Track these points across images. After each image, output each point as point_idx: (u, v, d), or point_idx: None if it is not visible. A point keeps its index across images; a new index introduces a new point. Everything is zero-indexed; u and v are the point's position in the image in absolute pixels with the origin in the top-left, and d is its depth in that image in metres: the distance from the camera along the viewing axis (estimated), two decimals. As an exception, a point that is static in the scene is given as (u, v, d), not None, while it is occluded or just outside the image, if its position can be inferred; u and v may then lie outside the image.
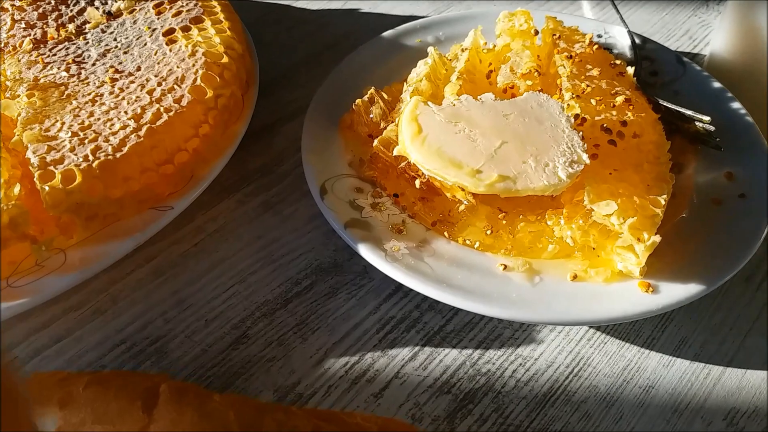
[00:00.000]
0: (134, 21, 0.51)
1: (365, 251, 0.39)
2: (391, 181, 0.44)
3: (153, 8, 0.51)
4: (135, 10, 0.52)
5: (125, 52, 0.48)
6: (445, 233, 0.41)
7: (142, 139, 0.41)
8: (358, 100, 0.46)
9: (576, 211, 0.39)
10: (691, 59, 0.53)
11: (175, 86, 0.44)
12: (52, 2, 0.53)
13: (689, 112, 0.45)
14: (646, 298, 0.37)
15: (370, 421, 0.32)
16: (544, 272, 0.38)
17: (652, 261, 0.37)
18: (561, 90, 0.45)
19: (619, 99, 0.44)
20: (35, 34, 0.50)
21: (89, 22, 0.51)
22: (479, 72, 0.49)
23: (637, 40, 0.54)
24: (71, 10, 0.52)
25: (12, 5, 0.52)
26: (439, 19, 0.57)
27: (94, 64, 0.48)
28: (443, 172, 0.38)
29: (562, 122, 0.40)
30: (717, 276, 0.38)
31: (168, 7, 0.51)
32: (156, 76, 0.45)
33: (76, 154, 0.40)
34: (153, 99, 0.43)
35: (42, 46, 0.49)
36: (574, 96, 0.43)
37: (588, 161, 0.38)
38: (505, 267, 0.39)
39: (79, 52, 0.49)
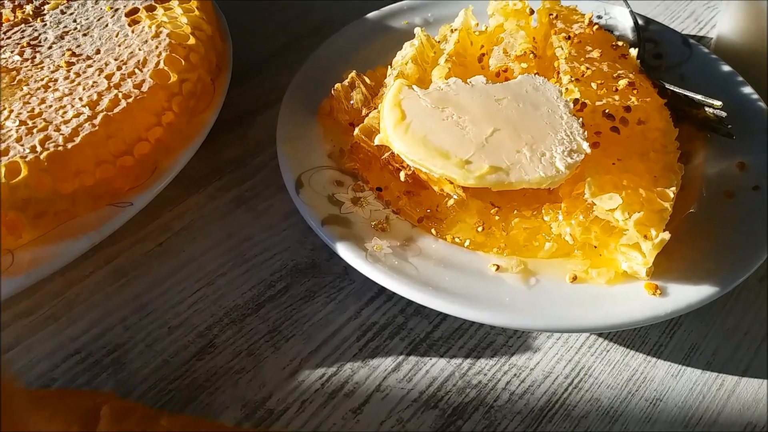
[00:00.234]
0: (96, 0, 0.47)
1: (344, 251, 0.36)
2: (373, 173, 0.41)
3: (116, -13, 0.47)
4: (97, -11, 0.48)
5: (84, 35, 0.44)
6: (433, 230, 0.38)
7: (96, 128, 0.37)
8: (337, 85, 0.42)
9: (576, 205, 0.36)
10: (697, 42, 0.49)
11: (136, 70, 0.40)
12: (8, -19, 0.49)
13: (698, 97, 0.42)
14: (653, 301, 0.34)
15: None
16: (541, 273, 0.36)
17: (659, 260, 0.34)
18: (559, 73, 0.41)
19: (622, 82, 0.40)
20: (-13, 15, 0.46)
21: (48, 3, 0.47)
22: (470, 55, 0.45)
23: (640, 21, 0.51)
24: (28, -10, 0.48)
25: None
26: (428, -1, 0.53)
27: (50, 48, 0.44)
28: (429, 162, 0.35)
29: (560, 108, 0.37)
30: (730, 276, 0.35)
31: (132, -15, 0.47)
32: (116, 59, 0.41)
33: (22, 145, 0.36)
34: (111, 84, 0.39)
35: (-6, 28, 0.45)
36: (573, 79, 0.40)
37: (589, 150, 0.35)
38: (498, 267, 0.36)
39: (36, 34, 0.45)
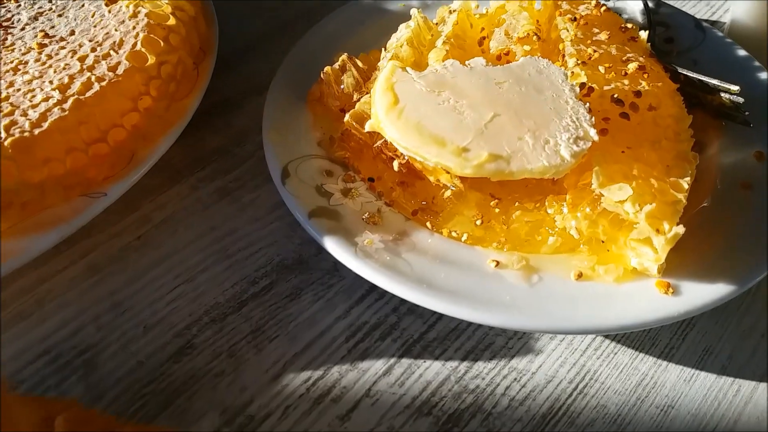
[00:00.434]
0: (73, -20, 0.44)
1: (332, 245, 0.34)
2: (365, 162, 0.38)
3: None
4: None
5: (60, 15, 0.42)
6: (428, 224, 0.36)
7: (66, 112, 0.34)
8: (327, 68, 0.40)
9: (582, 196, 0.33)
10: (710, 26, 0.47)
11: (112, 52, 0.38)
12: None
13: (714, 81, 0.39)
14: (665, 300, 0.32)
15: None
16: (544, 270, 0.33)
17: (671, 257, 0.32)
18: (564, 56, 0.39)
19: (632, 66, 0.38)
20: (-42, -5, 0.43)
21: (23, -17, 0.45)
22: (470, 38, 0.43)
23: (650, 3, 0.48)
24: (2, -31, 0.46)
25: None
26: (426, -20, 0.50)
27: (23, 29, 0.41)
28: (423, 150, 0.32)
29: (566, 92, 0.34)
30: (748, 274, 0.33)
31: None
32: (91, 40, 0.39)
33: (-14, 131, 0.33)
34: (84, 67, 0.37)
35: (-36, 8, 0.43)
36: (579, 62, 0.37)
37: (596, 137, 0.33)
38: (498, 264, 0.34)
39: (9, 15, 0.43)
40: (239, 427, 0.31)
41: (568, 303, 0.32)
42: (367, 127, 0.35)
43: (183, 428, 0.31)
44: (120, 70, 0.37)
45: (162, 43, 0.38)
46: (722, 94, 0.39)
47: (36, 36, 0.40)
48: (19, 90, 0.36)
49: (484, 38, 0.43)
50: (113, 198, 0.36)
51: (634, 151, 0.34)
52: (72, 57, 0.38)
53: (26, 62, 0.38)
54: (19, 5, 0.43)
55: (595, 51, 0.38)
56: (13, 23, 0.42)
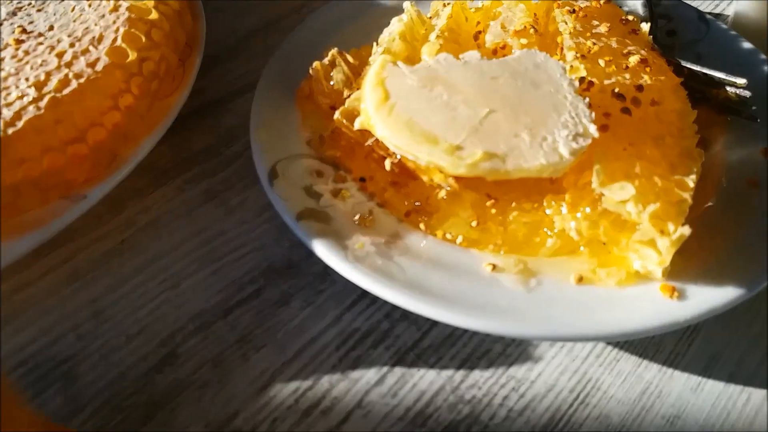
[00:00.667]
0: (54, -26, 0.43)
1: (321, 249, 0.32)
2: (356, 162, 0.37)
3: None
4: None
5: (39, 10, 0.40)
6: (422, 226, 0.34)
7: (42, 111, 0.33)
8: (316, 63, 0.38)
9: (582, 196, 0.32)
10: (714, 18, 0.45)
11: (91, 47, 0.36)
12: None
13: (720, 75, 0.38)
14: (670, 305, 0.30)
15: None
16: (542, 274, 0.32)
17: (676, 259, 0.30)
18: (562, 49, 0.37)
19: (633, 59, 0.36)
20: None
21: (3, -22, 0.43)
22: (465, 32, 0.41)
23: (651, -5, 0.46)
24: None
25: None
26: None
27: (0, 24, 0.40)
28: (414, 148, 0.31)
29: (564, 86, 0.33)
30: (757, 277, 0.31)
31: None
32: (69, 36, 0.37)
33: (-42, 131, 0.32)
34: (62, 63, 0.35)
35: (-60, 4, 0.41)
36: (578, 56, 0.36)
37: (596, 134, 0.31)
38: (494, 267, 0.32)
39: (-13, 12, 0.41)
40: (224, 440, 0.30)
41: (568, 308, 0.30)
42: (357, 125, 0.33)
43: (165, 442, 0.30)
44: (99, 67, 0.35)
45: (144, 39, 0.37)
46: (728, 89, 0.38)
47: (14, 32, 0.39)
48: (-7, 88, 0.34)
49: (480, 32, 0.41)
50: (93, 201, 0.34)
51: (636, 148, 0.32)
52: (50, 53, 0.36)
53: (2, 59, 0.37)
54: (-2, 1, 0.42)
55: (594, 44, 0.37)
56: (-10, 20, 0.40)
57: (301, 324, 0.34)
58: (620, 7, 0.46)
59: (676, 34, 0.45)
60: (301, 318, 0.34)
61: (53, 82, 0.34)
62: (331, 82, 0.38)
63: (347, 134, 0.36)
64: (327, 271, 0.36)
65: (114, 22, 0.37)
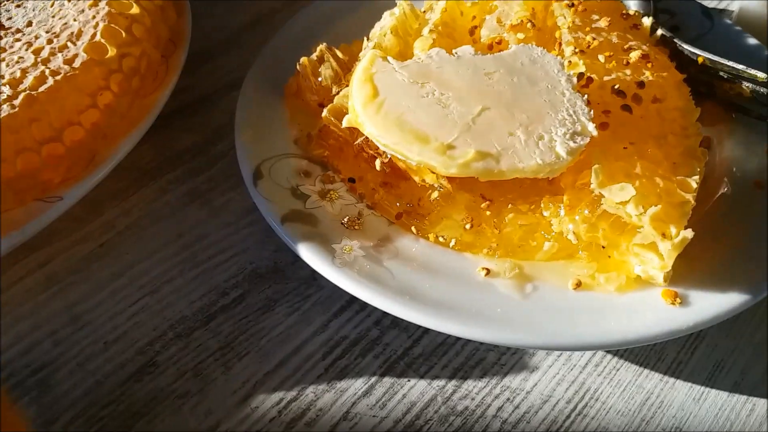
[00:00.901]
0: (34, -32, 0.41)
1: (307, 253, 0.31)
2: (346, 161, 0.36)
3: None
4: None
5: (18, 6, 0.39)
6: (413, 228, 0.33)
7: (16, 109, 0.32)
8: (303, 59, 0.37)
9: (580, 198, 0.31)
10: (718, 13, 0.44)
11: (69, 43, 0.35)
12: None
13: (740, 67, 0.36)
14: (672, 312, 0.30)
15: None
16: (539, 279, 0.31)
17: (679, 264, 0.30)
18: (561, 44, 0.36)
19: (634, 55, 0.35)
20: None
21: (-18, -28, 0.42)
22: (460, 27, 0.40)
23: (653, -11, 0.45)
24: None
25: None
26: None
27: (-23, 21, 0.38)
28: (404, 147, 0.30)
29: (562, 83, 0.31)
30: (761, 283, 0.30)
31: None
32: (48, 32, 0.36)
33: (-72, 130, 0.31)
34: (39, 60, 0.34)
35: None
36: (577, 51, 0.35)
37: (595, 132, 0.30)
38: (489, 272, 0.31)
39: (-36, 7, 0.40)
40: (203, 454, 0.29)
41: (566, 315, 0.29)
42: (345, 123, 0.32)
43: (141, 456, 0.29)
44: (77, 63, 0.34)
45: (124, 34, 0.36)
46: (744, 84, 0.36)
47: (-10, 28, 0.37)
48: (-34, 86, 0.33)
49: (475, 27, 0.40)
50: (70, 202, 0.33)
51: (637, 147, 0.31)
52: (27, 50, 0.35)
53: (-23, 56, 0.35)
54: (-23, -4, 0.41)
55: (594, 39, 0.36)
56: (-33, 15, 0.39)
57: (286, 331, 0.33)
58: (621, 1, 0.44)
59: (680, 30, 0.43)
60: (286, 325, 0.33)
61: (29, 79, 0.33)
62: (320, 79, 0.37)
63: (336, 133, 0.35)
64: (314, 276, 0.35)
65: (94, 17, 0.36)
